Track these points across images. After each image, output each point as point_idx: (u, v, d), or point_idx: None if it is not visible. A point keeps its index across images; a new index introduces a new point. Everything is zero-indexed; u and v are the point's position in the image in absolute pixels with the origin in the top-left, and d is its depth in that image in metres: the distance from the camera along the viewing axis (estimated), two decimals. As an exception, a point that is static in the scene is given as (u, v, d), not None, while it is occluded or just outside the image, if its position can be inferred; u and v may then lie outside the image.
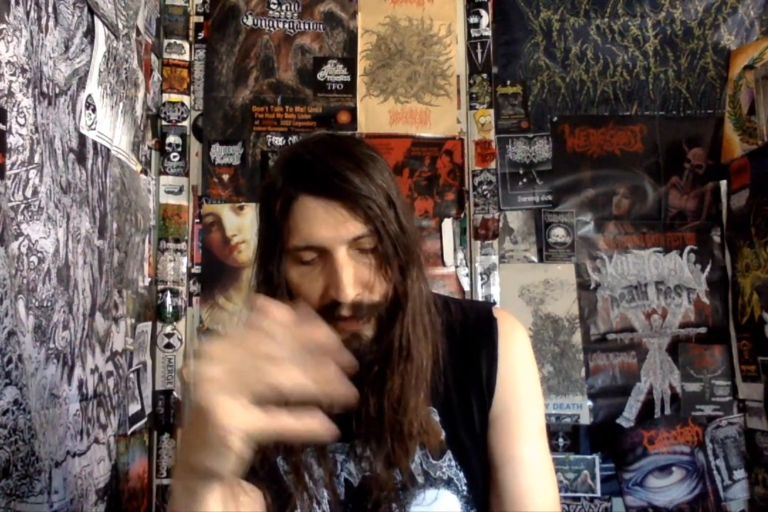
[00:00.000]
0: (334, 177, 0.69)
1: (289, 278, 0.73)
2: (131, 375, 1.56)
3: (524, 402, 0.78)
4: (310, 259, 0.71)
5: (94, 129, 1.28)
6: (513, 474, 0.74)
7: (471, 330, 0.80)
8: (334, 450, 0.77)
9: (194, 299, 1.86)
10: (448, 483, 0.76)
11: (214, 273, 1.86)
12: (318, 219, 0.69)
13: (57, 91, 1.11)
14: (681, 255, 1.91)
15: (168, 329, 1.81)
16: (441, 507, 0.76)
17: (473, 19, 1.99)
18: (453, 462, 0.77)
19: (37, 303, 1.00)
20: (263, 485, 0.76)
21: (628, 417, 1.83)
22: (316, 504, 0.77)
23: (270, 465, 0.77)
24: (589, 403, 1.84)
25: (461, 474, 0.77)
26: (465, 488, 0.77)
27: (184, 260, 1.86)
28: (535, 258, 1.92)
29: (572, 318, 1.88)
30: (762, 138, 1.76)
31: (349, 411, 0.74)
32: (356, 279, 0.70)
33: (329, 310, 0.71)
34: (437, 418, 0.77)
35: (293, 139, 1.93)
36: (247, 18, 1.96)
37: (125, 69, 1.48)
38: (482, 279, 1.89)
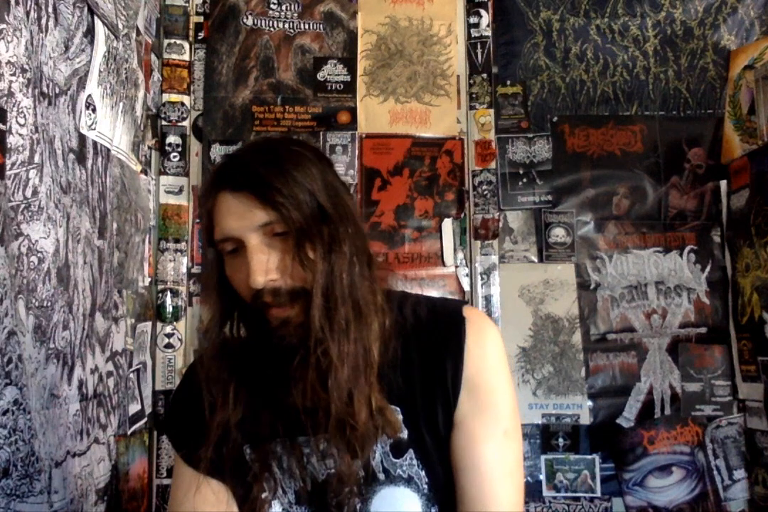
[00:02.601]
0: (242, 170, 0.74)
1: (226, 271, 0.77)
2: (131, 375, 1.56)
3: (490, 405, 0.76)
4: (231, 250, 0.75)
5: (94, 129, 1.28)
6: (472, 479, 0.74)
7: (439, 329, 0.78)
8: (301, 442, 0.77)
9: (194, 299, 1.86)
10: (409, 481, 0.77)
11: (214, 273, 1.86)
12: (230, 211, 0.73)
13: (57, 91, 1.11)
14: (681, 255, 1.91)
15: (168, 329, 1.81)
16: (401, 506, 0.76)
17: (473, 19, 1.99)
18: (415, 461, 0.77)
19: (37, 303, 1.00)
20: (229, 474, 0.78)
21: (628, 417, 1.83)
22: (282, 492, 0.78)
23: (237, 452, 0.78)
24: (589, 403, 1.84)
25: (423, 474, 0.77)
26: (426, 487, 0.77)
27: (184, 260, 1.86)
28: (535, 259, 1.92)
29: (572, 318, 1.88)
30: (762, 138, 1.76)
31: (311, 404, 0.74)
32: (270, 266, 0.72)
33: (257, 298, 0.73)
34: (401, 417, 0.76)
35: (293, 139, 1.93)
36: (247, 18, 1.96)
37: (125, 69, 1.48)
38: (482, 279, 1.89)
